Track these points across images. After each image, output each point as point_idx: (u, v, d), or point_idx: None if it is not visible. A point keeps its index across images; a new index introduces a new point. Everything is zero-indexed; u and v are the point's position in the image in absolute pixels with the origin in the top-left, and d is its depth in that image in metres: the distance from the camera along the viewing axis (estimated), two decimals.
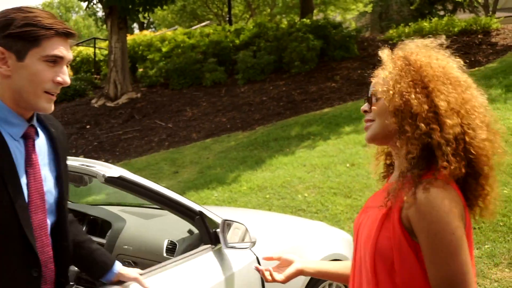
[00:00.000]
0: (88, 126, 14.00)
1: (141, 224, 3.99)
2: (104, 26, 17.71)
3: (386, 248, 1.60)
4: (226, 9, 32.09)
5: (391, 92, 1.67)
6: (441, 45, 1.79)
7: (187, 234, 3.41)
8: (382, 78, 1.74)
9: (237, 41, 16.38)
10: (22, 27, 1.65)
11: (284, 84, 13.72)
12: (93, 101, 15.57)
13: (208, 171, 9.07)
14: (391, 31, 15.84)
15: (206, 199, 7.78)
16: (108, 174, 2.97)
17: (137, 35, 20.23)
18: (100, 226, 4.02)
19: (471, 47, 14.07)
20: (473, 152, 1.59)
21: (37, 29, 1.66)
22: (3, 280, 1.71)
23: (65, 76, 1.76)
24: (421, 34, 14.61)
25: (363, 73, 13.01)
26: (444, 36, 1.81)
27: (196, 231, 3.28)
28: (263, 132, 10.84)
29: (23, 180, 1.75)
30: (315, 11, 23.79)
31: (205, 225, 3.16)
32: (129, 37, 18.65)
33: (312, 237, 3.99)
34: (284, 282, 2.08)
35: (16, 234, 1.71)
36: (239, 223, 3.22)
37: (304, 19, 16.79)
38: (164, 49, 17.27)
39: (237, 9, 32.68)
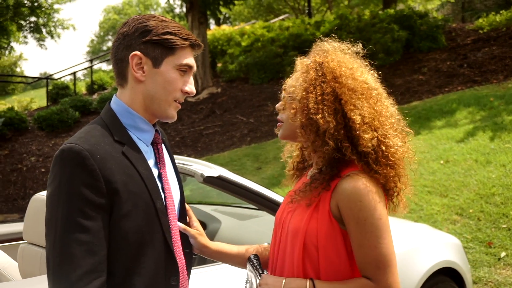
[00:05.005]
0: (170, 121, 14.11)
1: (236, 226, 3.81)
2: (181, 23, 17.82)
3: (314, 237, 1.73)
4: (302, 2, 31.80)
5: (292, 111, 1.81)
6: (357, 53, 1.89)
7: None
8: (290, 91, 1.85)
9: (317, 34, 16.02)
10: (162, 35, 1.71)
11: None
12: None
13: None
14: (480, 20, 14.97)
15: None
16: (206, 174, 2.84)
17: (216, 30, 20.26)
18: None
19: None
20: (391, 158, 1.75)
21: (176, 39, 1.72)
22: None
23: (192, 85, 1.81)
24: None
25: (453, 65, 12.39)
26: (361, 45, 1.91)
27: None
28: None
29: (159, 184, 1.76)
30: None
31: None
32: (208, 32, 18.71)
33: (419, 242, 3.68)
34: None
35: (159, 239, 1.71)
36: None
37: (388, 9, 16.23)
38: (243, 43, 17.19)
39: (314, 2, 32.26)
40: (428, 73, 12.47)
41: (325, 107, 1.74)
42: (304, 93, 1.78)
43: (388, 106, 1.84)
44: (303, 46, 15.45)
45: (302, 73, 1.85)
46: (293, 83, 1.86)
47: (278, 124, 1.94)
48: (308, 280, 1.73)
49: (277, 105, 1.96)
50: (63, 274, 1.50)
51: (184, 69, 1.77)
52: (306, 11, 24.89)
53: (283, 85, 1.96)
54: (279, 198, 3.03)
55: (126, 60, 1.72)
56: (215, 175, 2.86)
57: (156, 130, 1.86)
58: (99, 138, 1.65)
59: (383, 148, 1.75)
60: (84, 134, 1.66)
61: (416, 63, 13.32)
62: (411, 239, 3.64)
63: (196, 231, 1.99)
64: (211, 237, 3.65)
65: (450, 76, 11.85)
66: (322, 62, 1.83)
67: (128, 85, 1.75)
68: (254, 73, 15.52)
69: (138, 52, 1.70)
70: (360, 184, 1.68)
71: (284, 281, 1.76)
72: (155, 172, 1.77)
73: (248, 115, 13.16)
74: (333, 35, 1.98)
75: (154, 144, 1.83)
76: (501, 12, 15.10)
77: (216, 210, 4.17)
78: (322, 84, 1.77)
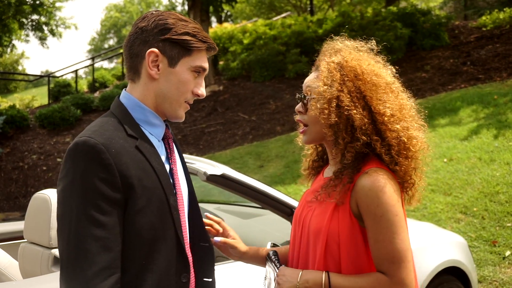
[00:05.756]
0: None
1: (239, 224, 3.78)
2: None
3: (336, 236, 1.77)
4: (304, 0, 31.72)
5: (326, 111, 1.79)
6: (371, 49, 1.93)
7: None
8: (319, 92, 1.83)
9: (320, 31, 15.98)
10: (182, 35, 1.69)
11: None
12: None
13: (295, 165, 8.82)
14: (484, 18, 14.92)
15: (294, 194, 7.54)
16: (210, 172, 2.82)
17: (218, 28, 20.21)
18: None
19: None
20: (412, 149, 1.79)
21: (194, 40, 1.70)
22: (158, 285, 1.64)
23: (203, 88, 1.79)
24: None
25: (456, 62, 12.34)
26: (374, 41, 1.95)
27: None
28: None
29: (171, 180, 1.74)
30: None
31: None
32: (210, 30, 18.67)
33: (425, 241, 3.64)
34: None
35: (172, 236, 1.67)
36: None
37: (391, 7, 16.17)
38: (245, 41, 17.14)
39: (315, 0, 32.21)
40: (431, 70, 12.42)
41: (357, 103, 1.78)
42: (335, 92, 1.80)
43: (407, 99, 1.90)
44: (305, 43, 15.42)
45: (328, 73, 1.85)
46: (319, 84, 1.86)
47: (302, 129, 1.94)
48: (324, 272, 1.77)
49: (296, 107, 1.96)
50: (78, 270, 1.46)
51: (198, 71, 1.75)
52: (308, 9, 24.88)
53: (304, 85, 1.95)
54: (282, 196, 2.99)
55: (142, 55, 1.69)
56: (219, 173, 2.82)
57: (166, 125, 1.83)
58: (113, 132, 1.62)
59: (405, 139, 1.78)
60: (98, 127, 1.62)
61: (419, 61, 13.28)
62: (416, 238, 3.60)
63: (234, 240, 2.06)
64: None
65: (453, 73, 11.80)
66: (341, 62, 1.85)
67: (140, 81, 1.72)
68: (256, 71, 15.47)
69: (155, 49, 1.67)
70: (377, 181, 1.72)
71: (300, 272, 1.80)
72: (166, 167, 1.74)
73: (250, 113, 13.12)
74: (342, 33, 2.01)
75: (165, 139, 1.81)
76: (504, 9, 15.05)
77: (219, 209, 4.14)
78: (347, 82, 1.81)
